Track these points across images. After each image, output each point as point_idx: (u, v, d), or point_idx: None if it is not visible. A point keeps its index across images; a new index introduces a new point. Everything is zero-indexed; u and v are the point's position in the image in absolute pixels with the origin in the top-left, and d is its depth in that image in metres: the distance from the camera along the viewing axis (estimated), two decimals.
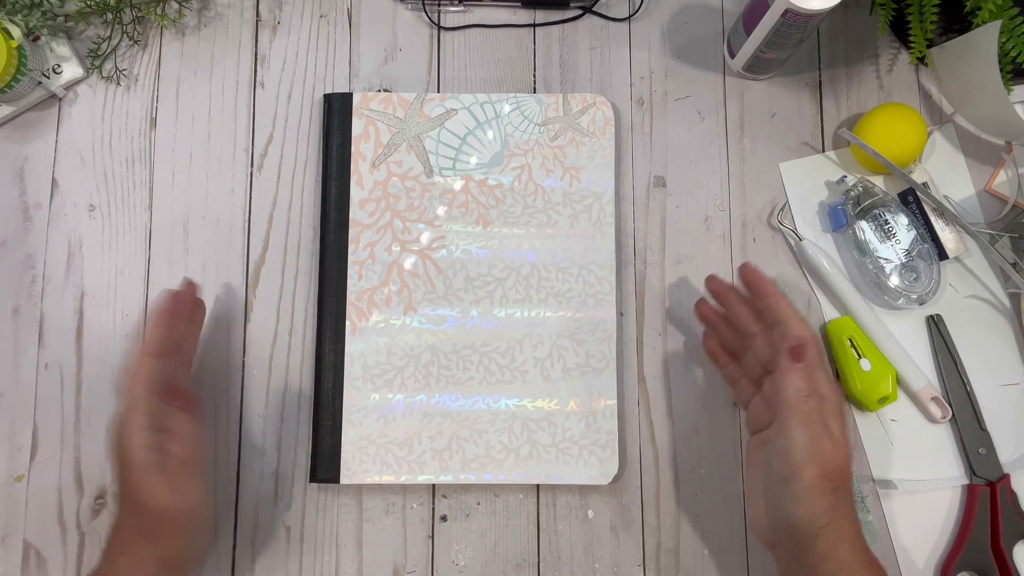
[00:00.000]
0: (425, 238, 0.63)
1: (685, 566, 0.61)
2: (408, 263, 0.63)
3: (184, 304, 0.57)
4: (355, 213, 0.63)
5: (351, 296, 0.62)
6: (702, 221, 0.65)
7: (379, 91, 0.66)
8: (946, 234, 0.64)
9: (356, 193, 0.64)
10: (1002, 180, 0.65)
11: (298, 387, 0.63)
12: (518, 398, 0.61)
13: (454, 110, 0.64)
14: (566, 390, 0.61)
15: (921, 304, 0.63)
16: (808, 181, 0.66)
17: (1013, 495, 0.61)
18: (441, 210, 0.63)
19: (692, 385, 0.63)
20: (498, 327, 0.62)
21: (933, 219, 0.64)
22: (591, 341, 0.62)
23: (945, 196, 0.65)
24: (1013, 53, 0.58)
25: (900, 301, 0.62)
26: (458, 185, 0.64)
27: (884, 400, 0.61)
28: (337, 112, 0.65)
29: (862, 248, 0.63)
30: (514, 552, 0.61)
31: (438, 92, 0.66)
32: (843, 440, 0.50)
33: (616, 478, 0.61)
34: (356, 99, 0.65)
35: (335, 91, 0.66)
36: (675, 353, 0.64)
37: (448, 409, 0.61)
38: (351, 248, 0.63)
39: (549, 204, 0.63)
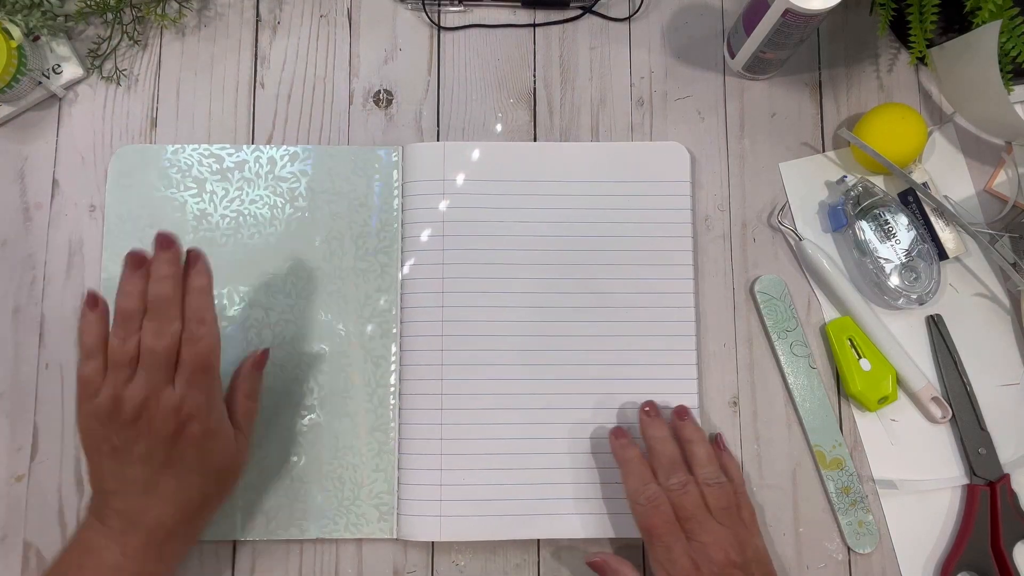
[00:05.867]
0: None
1: None
2: None
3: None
4: None
5: None
6: (702, 221, 0.65)
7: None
8: (946, 234, 0.64)
9: None
10: (1002, 180, 0.65)
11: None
12: None
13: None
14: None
15: (921, 304, 0.63)
16: (808, 181, 0.66)
17: (1013, 495, 0.61)
18: None
19: None
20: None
21: (933, 219, 0.64)
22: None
23: (945, 196, 0.64)
24: (1013, 53, 0.58)
25: (900, 301, 0.62)
26: None
27: (884, 400, 0.61)
28: None
29: (862, 248, 0.63)
30: (513, 551, 0.61)
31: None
32: None
33: None
34: None
35: (336, 91, 0.66)
36: None
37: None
38: None
39: None
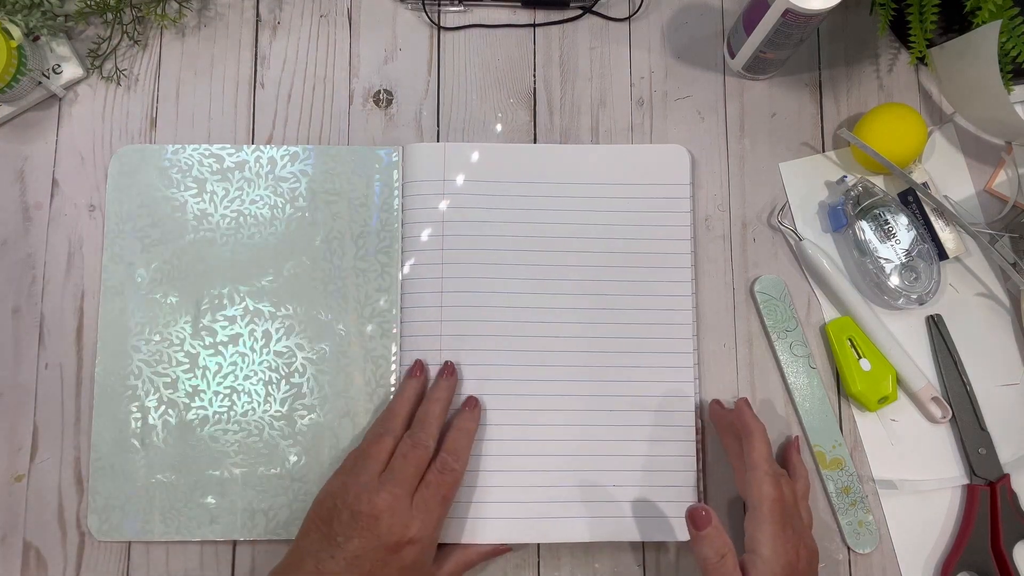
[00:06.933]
0: None
1: (684, 567, 0.61)
2: None
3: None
4: None
5: None
6: (702, 221, 0.65)
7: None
8: (946, 234, 0.64)
9: None
10: (1002, 180, 0.65)
11: None
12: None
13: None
14: None
15: (921, 304, 0.63)
16: (808, 181, 0.66)
17: (1013, 495, 0.61)
18: None
19: None
20: None
21: (933, 219, 0.64)
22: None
23: (945, 196, 0.64)
24: (1013, 53, 0.58)
25: (900, 301, 0.62)
26: None
27: (884, 400, 0.61)
28: None
29: (862, 248, 0.63)
30: (513, 552, 0.61)
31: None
32: None
33: None
34: None
35: (336, 91, 0.66)
36: None
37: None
38: None
39: None
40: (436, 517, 0.54)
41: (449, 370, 0.60)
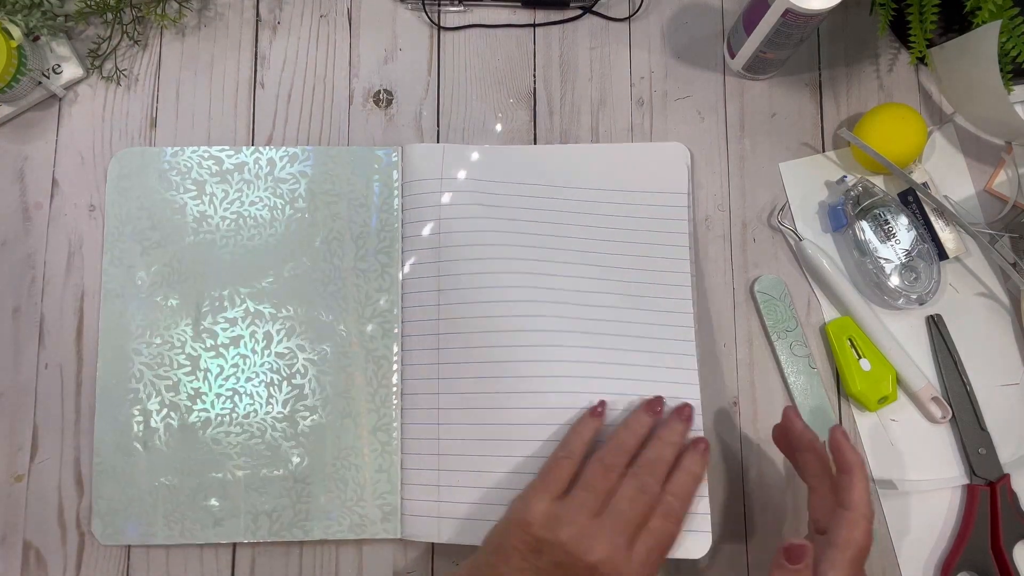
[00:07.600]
0: None
1: (685, 566, 0.61)
2: None
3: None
4: None
5: None
6: (702, 221, 0.65)
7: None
8: (946, 234, 0.64)
9: None
10: (1002, 180, 0.66)
11: None
12: None
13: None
14: None
15: (921, 304, 0.63)
16: (808, 181, 0.66)
17: (1013, 495, 0.61)
18: None
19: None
20: None
21: (933, 219, 0.64)
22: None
23: (945, 196, 0.65)
24: (1013, 53, 0.58)
25: (900, 301, 0.63)
26: None
27: (884, 400, 0.62)
28: None
29: (862, 248, 0.63)
30: None
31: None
32: None
33: None
34: None
35: (336, 91, 0.66)
36: None
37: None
38: None
39: None
40: (655, 570, 0.51)
41: (685, 413, 0.57)
